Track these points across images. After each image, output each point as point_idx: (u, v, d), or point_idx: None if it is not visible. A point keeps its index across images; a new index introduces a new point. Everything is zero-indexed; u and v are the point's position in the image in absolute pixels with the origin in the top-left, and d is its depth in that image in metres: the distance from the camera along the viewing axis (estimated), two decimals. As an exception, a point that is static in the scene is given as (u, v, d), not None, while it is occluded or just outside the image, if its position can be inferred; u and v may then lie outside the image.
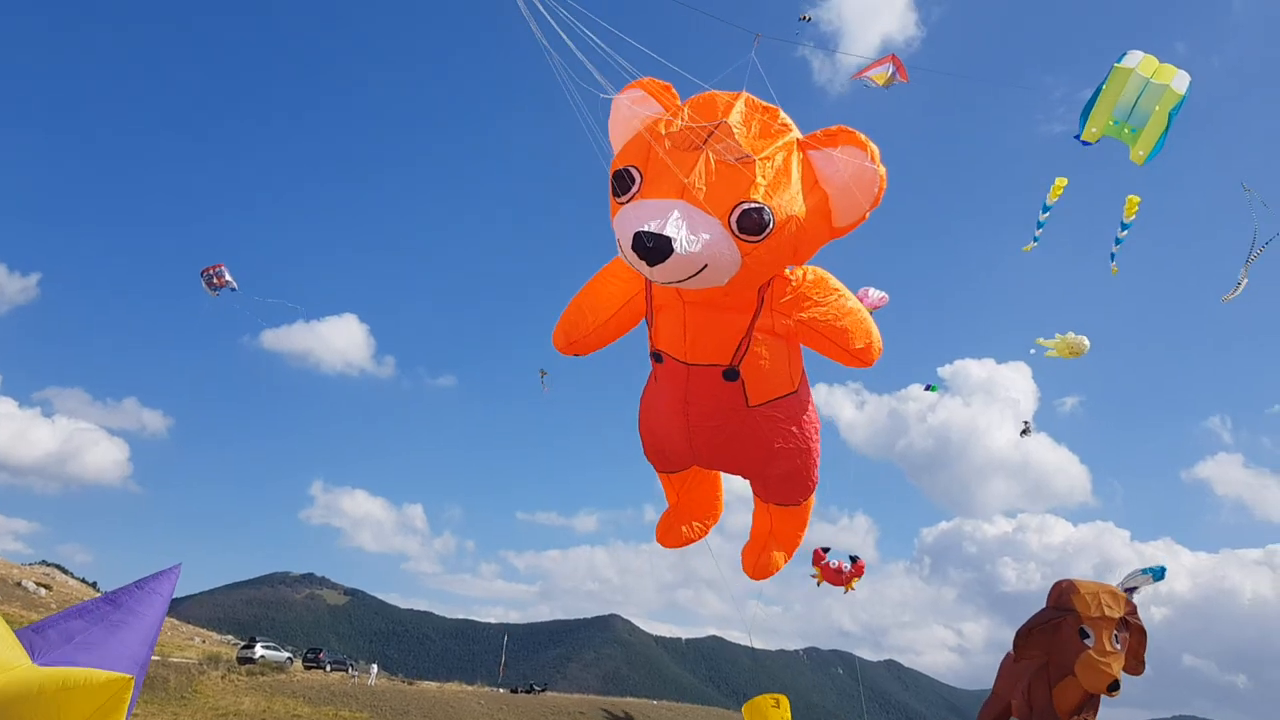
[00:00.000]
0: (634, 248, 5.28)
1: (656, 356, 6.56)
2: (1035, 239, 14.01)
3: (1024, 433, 24.71)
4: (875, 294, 24.51)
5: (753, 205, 5.41)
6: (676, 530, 8.01)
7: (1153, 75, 10.80)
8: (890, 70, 14.33)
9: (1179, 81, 10.66)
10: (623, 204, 5.61)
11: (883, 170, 5.89)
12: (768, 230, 5.47)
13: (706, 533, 8.18)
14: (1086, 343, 19.36)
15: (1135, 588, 15.05)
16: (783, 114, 5.86)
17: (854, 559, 23.67)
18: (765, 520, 7.83)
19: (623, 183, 5.65)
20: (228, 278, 23.95)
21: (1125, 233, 13.69)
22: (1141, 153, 11.17)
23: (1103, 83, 11.24)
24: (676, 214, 5.32)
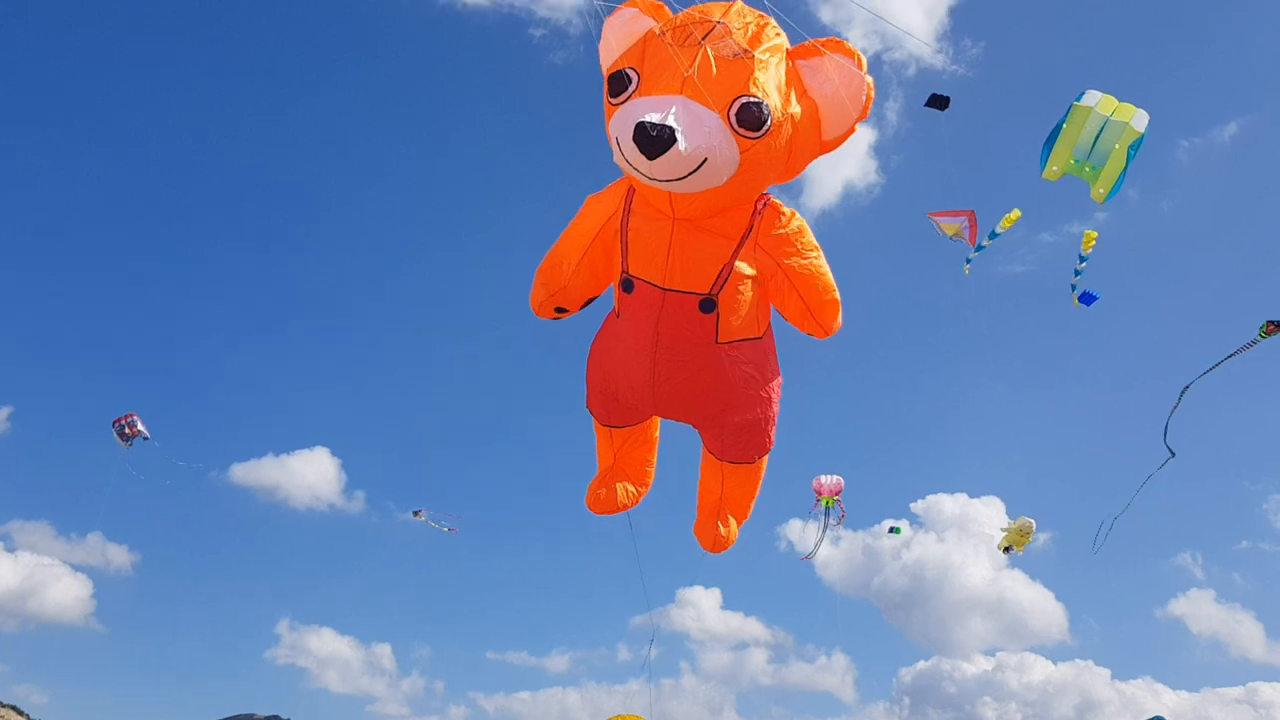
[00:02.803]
0: (635, 139, 5.14)
1: (626, 285, 6.31)
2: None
3: (1006, 550, 24.85)
4: (829, 480, 24.89)
5: (752, 99, 5.37)
6: (610, 495, 7.54)
7: (1112, 113, 11.15)
8: (963, 224, 14.80)
9: (1138, 120, 11.04)
10: (618, 105, 5.50)
11: (870, 79, 5.87)
12: (766, 126, 5.42)
13: (638, 500, 7.77)
14: (1031, 523, 20.21)
15: None
16: (774, 23, 5.85)
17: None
18: (716, 486, 7.49)
19: (619, 83, 5.55)
20: (140, 427, 22.31)
21: (1084, 264, 14.00)
22: (1102, 190, 11.44)
23: (1062, 121, 11.58)
24: (677, 108, 5.24)
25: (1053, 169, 12.04)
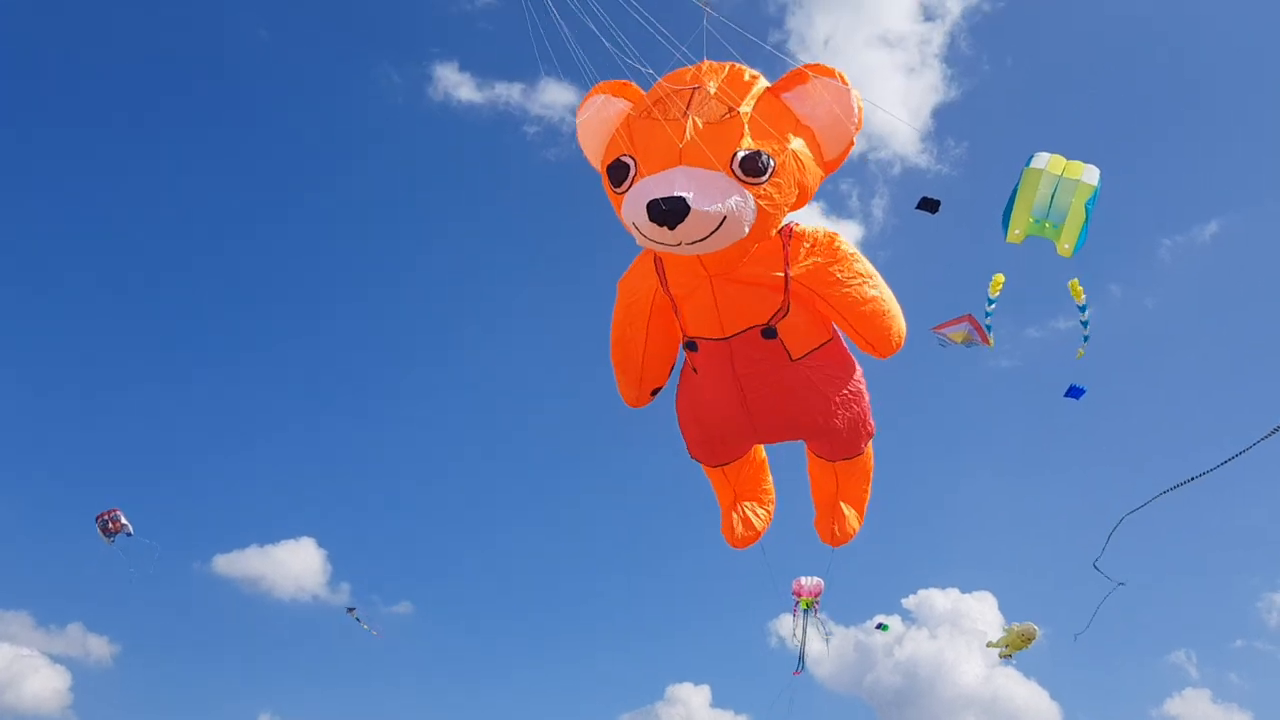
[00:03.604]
0: (651, 218, 5.27)
1: (690, 345, 6.53)
2: (989, 328, 14.34)
3: (995, 649, 24.00)
4: (809, 581, 24.45)
5: (749, 151, 5.51)
6: (746, 522, 7.68)
7: (1063, 172, 11.30)
8: (968, 329, 15.08)
9: (1089, 174, 11.17)
10: (623, 193, 5.64)
11: (857, 91, 5.97)
12: (770, 170, 5.57)
13: (769, 521, 7.95)
14: (1034, 629, 19.76)
15: None
16: (747, 68, 5.98)
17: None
18: (830, 485, 7.69)
19: (618, 172, 5.70)
20: (123, 522, 22.05)
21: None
22: (1067, 245, 11.50)
23: (1016, 186, 11.70)
24: (681, 177, 5.39)
25: (1015, 232, 12.08)
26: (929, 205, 12.73)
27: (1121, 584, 12.29)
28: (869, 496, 7.85)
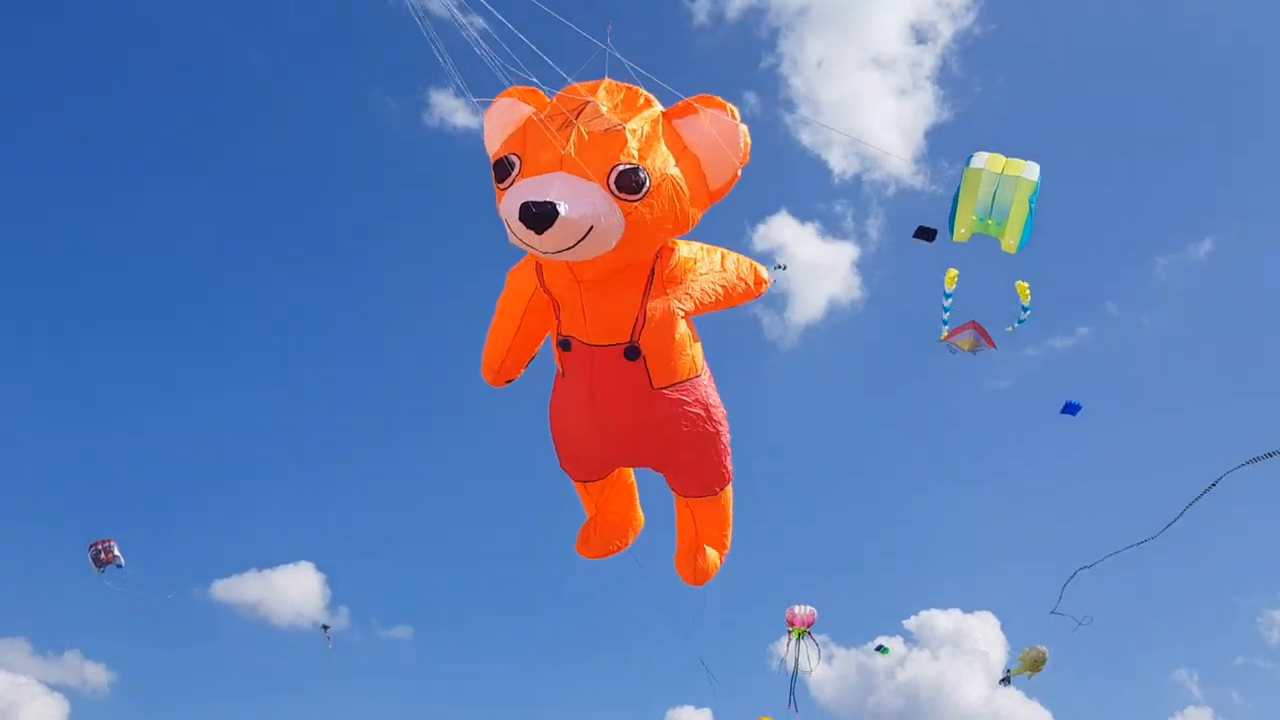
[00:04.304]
0: (522, 219, 5.40)
1: (564, 344, 6.54)
2: (944, 322, 14.59)
3: (1004, 681, 23.76)
4: (803, 610, 24.26)
5: (628, 166, 5.66)
6: (597, 541, 7.71)
7: (1003, 170, 11.44)
8: (973, 335, 15.37)
9: (1029, 171, 11.31)
10: (505, 189, 5.81)
11: (745, 126, 6.11)
12: (645, 188, 5.69)
13: (627, 546, 7.94)
14: (1044, 650, 19.90)
15: None
16: (644, 91, 6.17)
17: None
18: (689, 521, 7.57)
19: (503, 169, 5.87)
20: (116, 553, 22.20)
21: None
22: (1012, 241, 11.60)
23: (958, 187, 11.83)
24: (557, 183, 5.53)
25: (961, 231, 12.20)
26: (925, 234, 13.05)
27: (1083, 622, 13.09)
28: (729, 540, 7.74)
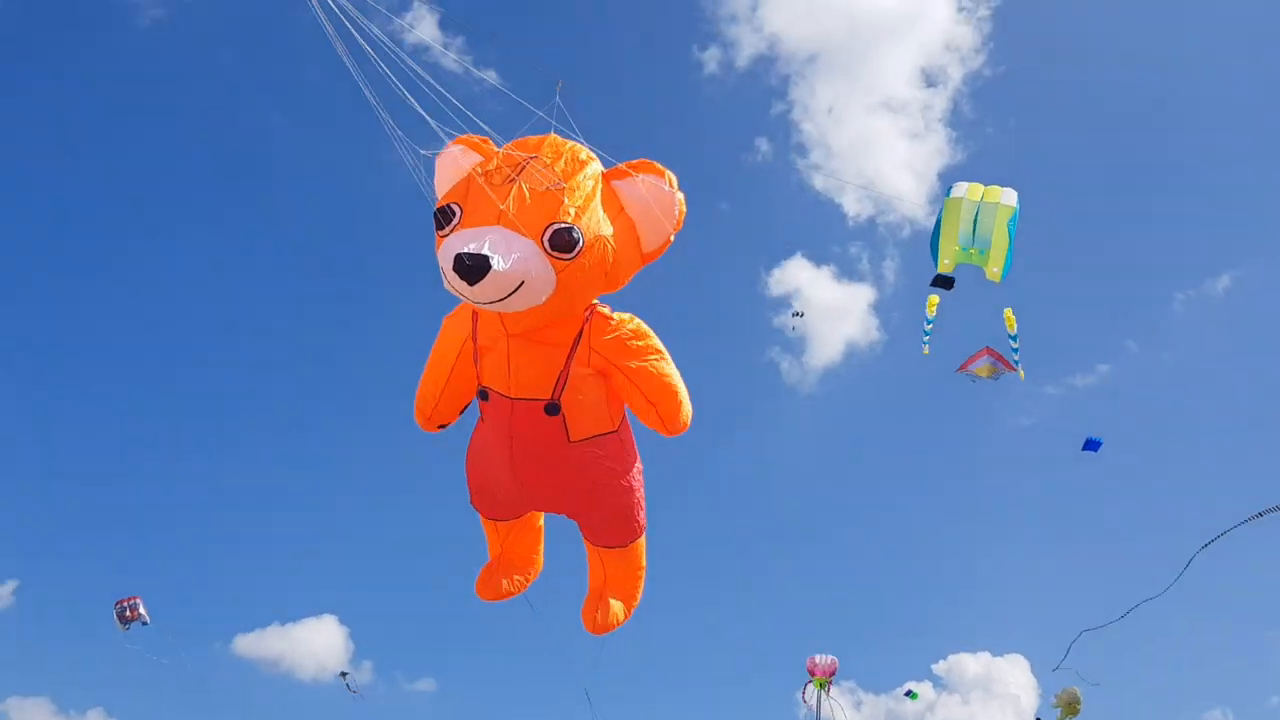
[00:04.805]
0: (455, 269, 5.57)
1: (483, 394, 6.67)
2: (925, 339, 14.94)
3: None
4: (824, 659, 24.00)
5: (563, 225, 5.80)
6: (497, 582, 7.74)
7: (982, 198, 11.64)
8: (989, 361, 15.69)
9: (1007, 197, 11.51)
10: (444, 237, 5.95)
11: (680, 195, 6.29)
12: (578, 248, 5.84)
13: (526, 587, 7.98)
14: (1077, 691, 19.88)
15: None
16: (586, 148, 6.36)
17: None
18: (599, 570, 7.67)
19: (444, 217, 6.04)
20: (141, 611, 22.53)
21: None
22: (995, 269, 11.76)
23: (939, 218, 12.03)
24: (493, 237, 5.69)
25: (944, 262, 12.37)
26: (943, 283, 13.32)
27: (1096, 684, 13.60)
28: (639, 592, 7.81)
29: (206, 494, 39.20)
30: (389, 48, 6.07)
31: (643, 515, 7.36)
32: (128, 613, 22.42)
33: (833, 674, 23.99)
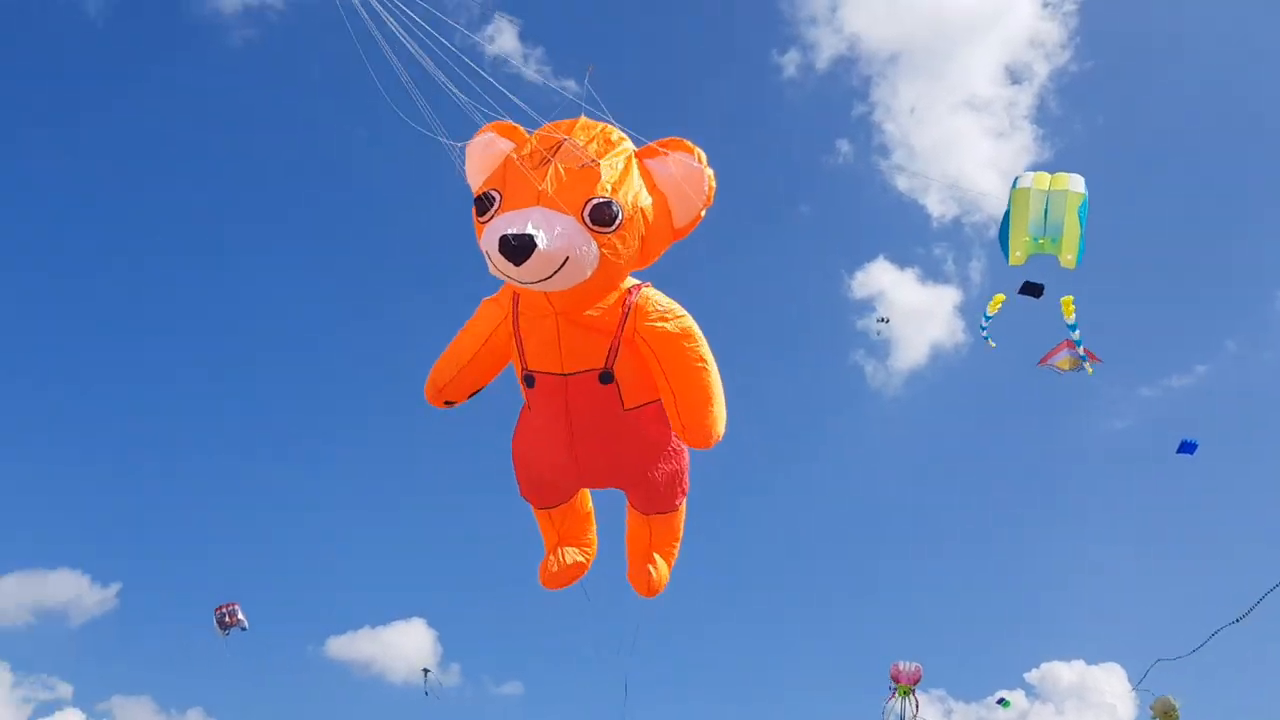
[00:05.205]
0: (501, 250, 5.72)
1: (529, 380, 6.80)
2: (983, 328, 14.68)
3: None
4: (908, 666, 23.56)
5: (602, 200, 5.94)
6: (562, 565, 7.83)
7: (1050, 186, 11.36)
8: (1070, 354, 15.55)
9: (1075, 183, 11.21)
10: (485, 223, 6.15)
11: (710, 171, 6.39)
12: (618, 221, 5.97)
13: (587, 567, 8.07)
14: (1172, 700, 19.29)
15: None
16: (617, 129, 6.48)
17: None
18: (644, 536, 7.85)
19: (484, 204, 6.22)
20: (240, 617, 23.48)
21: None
22: (1070, 257, 11.45)
23: (1007, 209, 11.78)
24: (535, 216, 5.83)
25: (1016, 254, 12.14)
26: (1032, 290, 13.07)
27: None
28: (676, 555, 8.01)
29: (301, 499, 40.48)
30: (469, 63, 6.31)
31: (687, 478, 7.50)
32: (227, 619, 23.37)
33: (917, 681, 23.53)
